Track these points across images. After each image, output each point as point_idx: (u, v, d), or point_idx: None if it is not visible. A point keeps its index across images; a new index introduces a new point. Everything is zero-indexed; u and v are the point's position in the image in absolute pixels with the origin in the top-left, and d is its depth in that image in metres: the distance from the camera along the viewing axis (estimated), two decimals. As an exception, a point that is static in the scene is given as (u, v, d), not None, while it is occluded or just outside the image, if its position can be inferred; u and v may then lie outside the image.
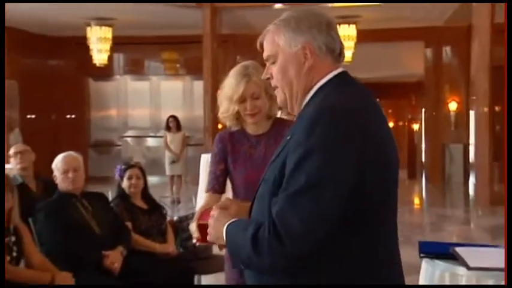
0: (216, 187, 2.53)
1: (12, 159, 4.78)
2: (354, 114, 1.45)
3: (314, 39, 1.52)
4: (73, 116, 12.74)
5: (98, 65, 10.75)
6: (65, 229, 3.40)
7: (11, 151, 4.88)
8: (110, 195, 4.22)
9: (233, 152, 2.54)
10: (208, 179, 2.58)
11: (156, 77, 12.89)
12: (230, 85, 2.46)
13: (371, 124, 1.48)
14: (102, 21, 10.20)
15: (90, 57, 10.64)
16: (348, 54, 10.92)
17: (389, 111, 20.84)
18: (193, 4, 8.91)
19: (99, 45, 10.43)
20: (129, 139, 12.95)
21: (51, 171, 3.69)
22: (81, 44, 10.66)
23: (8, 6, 7.92)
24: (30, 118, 11.71)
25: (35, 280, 3.16)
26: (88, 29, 10.29)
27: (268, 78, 1.62)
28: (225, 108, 2.49)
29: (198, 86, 11.19)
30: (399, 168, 1.57)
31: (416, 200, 11.96)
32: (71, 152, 3.77)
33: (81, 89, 12.69)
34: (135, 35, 11.27)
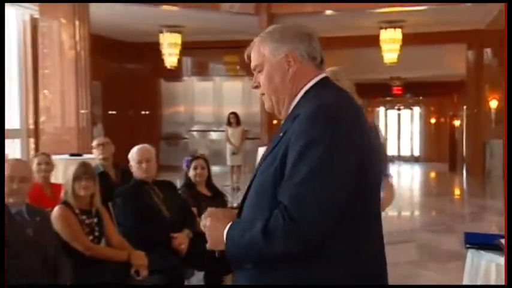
0: None
1: (95, 150, 4.87)
2: (346, 110, 1.44)
3: (296, 48, 1.50)
4: (147, 112, 12.99)
5: (168, 67, 10.90)
6: (139, 213, 3.43)
7: (94, 143, 4.97)
8: (178, 183, 4.25)
9: None
10: None
11: (218, 77, 12.96)
12: None
13: (362, 118, 1.48)
14: (172, 28, 10.32)
15: (162, 60, 10.80)
16: (394, 56, 10.62)
17: (432, 108, 20.20)
18: (252, 12, 8.87)
19: (170, 50, 10.56)
20: (195, 133, 13.09)
21: (128, 161, 3.74)
22: (154, 49, 10.82)
23: (94, 15, 8.14)
24: (111, 114, 12.02)
25: (113, 257, 3.20)
26: (160, 35, 10.44)
27: (256, 87, 1.57)
28: None
29: (256, 85, 11.14)
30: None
31: (457, 191, 11.53)
32: (145, 145, 3.81)
33: (155, 88, 12.92)
34: (200, 41, 11.36)
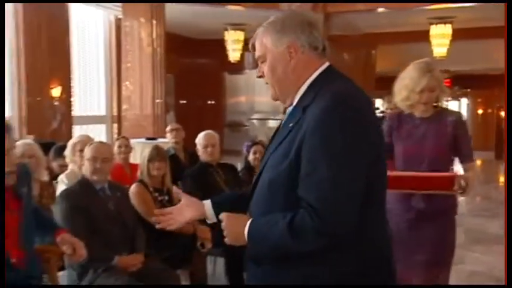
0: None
1: (168, 134, 4.94)
2: (361, 100, 1.32)
3: (298, 38, 1.37)
4: (213, 102, 13.14)
5: (232, 61, 10.93)
6: (204, 192, 3.45)
7: (168, 128, 5.06)
8: (239, 166, 4.25)
9: (398, 129, 2.52)
10: None
11: (277, 71, 12.85)
12: (412, 78, 2.41)
13: (372, 107, 1.39)
14: (236, 26, 10.31)
15: (227, 55, 10.84)
16: (443, 50, 10.10)
17: (479, 100, 19.14)
18: (309, 10, 8.69)
19: (234, 45, 10.57)
20: (254, 121, 13.10)
21: (195, 145, 3.77)
22: (220, 45, 10.88)
23: (168, 14, 8.27)
24: (182, 103, 12.25)
25: (181, 231, 3.24)
26: (225, 33, 10.47)
27: (260, 76, 1.46)
28: (405, 96, 2.45)
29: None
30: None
31: (502, 179, 10.90)
32: (210, 131, 3.83)
33: (220, 80, 13.02)
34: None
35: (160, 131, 8.06)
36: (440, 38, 9.84)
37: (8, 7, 7.70)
